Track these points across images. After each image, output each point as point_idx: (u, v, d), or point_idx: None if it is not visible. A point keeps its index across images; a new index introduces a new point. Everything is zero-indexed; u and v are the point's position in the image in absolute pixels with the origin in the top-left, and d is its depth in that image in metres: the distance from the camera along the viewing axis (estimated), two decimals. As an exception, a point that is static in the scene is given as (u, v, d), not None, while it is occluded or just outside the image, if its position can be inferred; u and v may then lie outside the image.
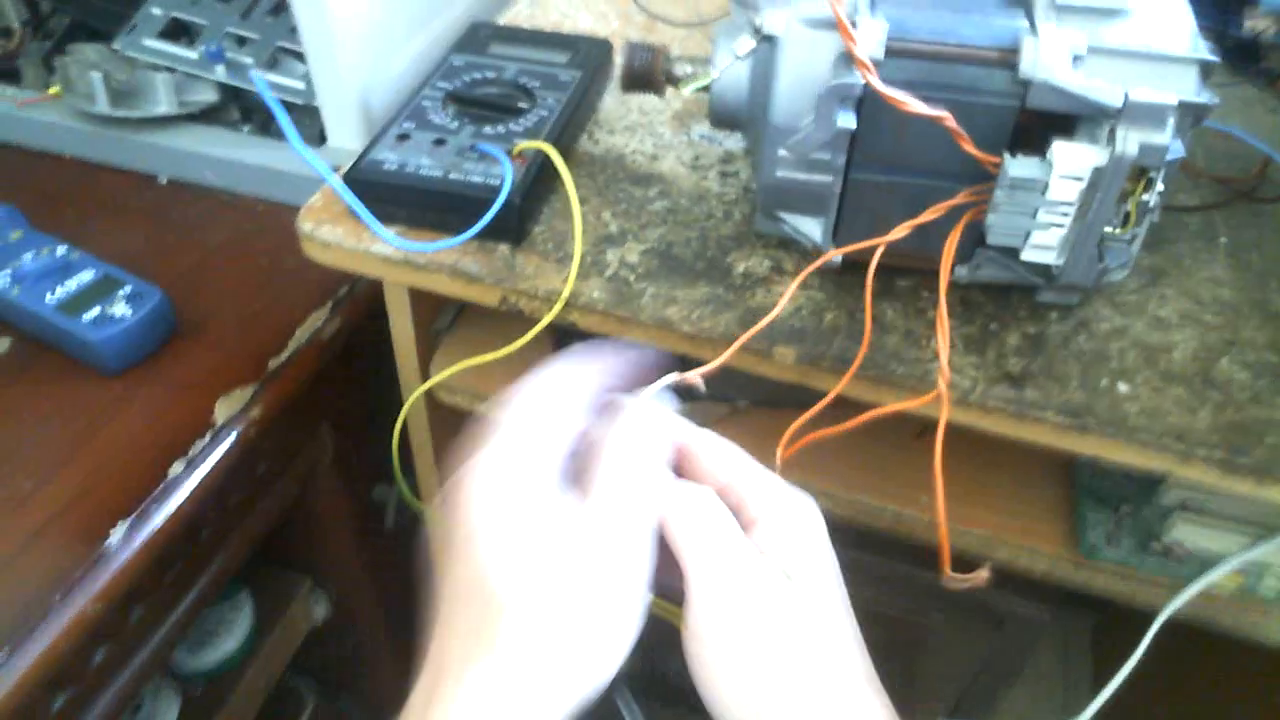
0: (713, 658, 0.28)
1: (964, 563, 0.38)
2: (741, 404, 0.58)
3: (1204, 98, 0.38)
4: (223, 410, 0.54)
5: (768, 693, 0.27)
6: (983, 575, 0.35)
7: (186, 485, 0.50)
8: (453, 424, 0.65)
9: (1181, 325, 0.46)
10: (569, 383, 0.30)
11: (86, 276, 0.56)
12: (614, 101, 0.61)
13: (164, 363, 0.56)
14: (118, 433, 0.52)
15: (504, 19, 0.71)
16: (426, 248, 0.48)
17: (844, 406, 0.42)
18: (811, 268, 0.42)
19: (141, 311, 0.54)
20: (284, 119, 0.47)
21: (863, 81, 0.38)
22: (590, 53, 0.60)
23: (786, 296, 0.40)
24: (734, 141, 0.58)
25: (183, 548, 0.55)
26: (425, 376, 0.60)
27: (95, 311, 0.54)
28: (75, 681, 0.49)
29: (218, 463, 0.52)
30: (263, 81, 0.48)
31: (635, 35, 0.69)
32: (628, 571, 0.28)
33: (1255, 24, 0.66)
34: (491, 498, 0.27)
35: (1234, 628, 0.51)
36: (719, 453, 0.32)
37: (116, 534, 0.47)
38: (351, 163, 0.51)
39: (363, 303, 0.63)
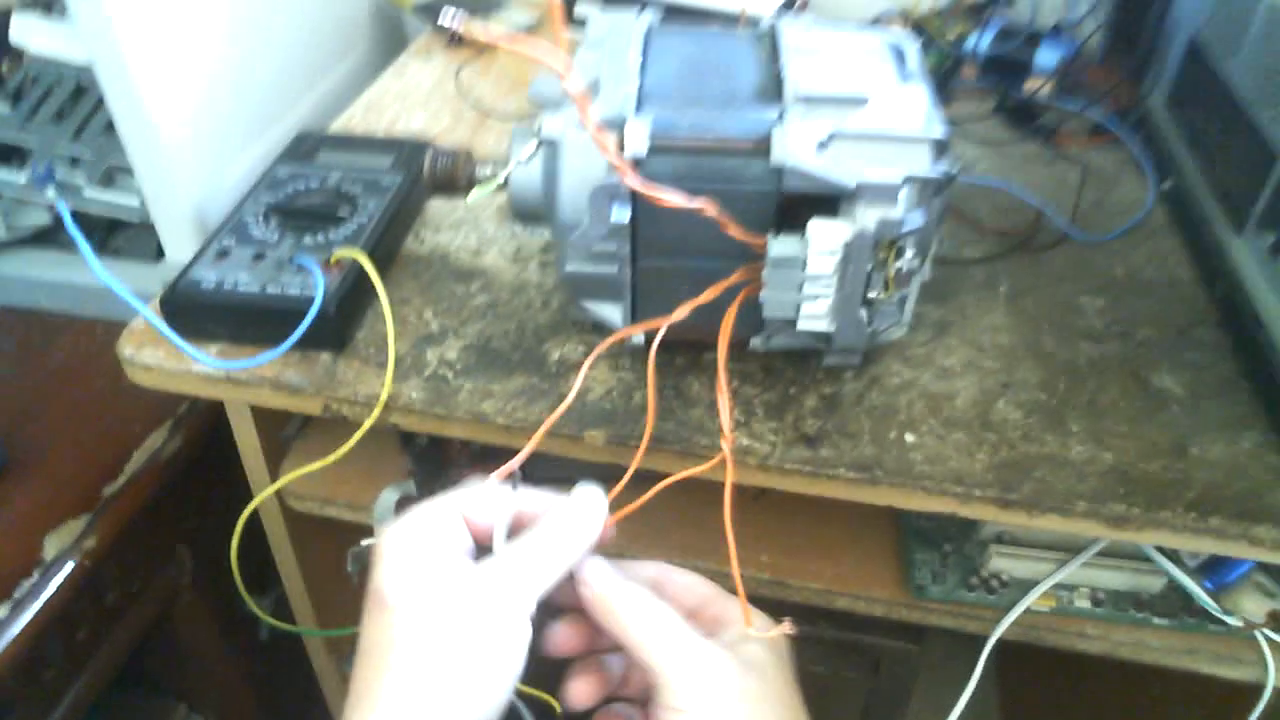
0: None
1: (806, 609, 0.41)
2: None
3: (936, 172, 0.42)
4: (53, 545, 0.53)
5: None
6: (785, 628, 0.36)
7: (12, 629, 0.49)
8: (310, 532, 0.65)
9: (964, 373, 0.49)
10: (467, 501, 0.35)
11: (-98, 421, 0.55)
12: (442, 200, 0.63)
13: (-11, 503, 0.54)
14: (-64, 581, 0.50)
15: (338, 124, 0.73)
16: (243, 365, 0.49)
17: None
18: (595, 353, 0.44)
19: (-39, 452, 0.53)
20: (84, 246, 0.46)
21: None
22: (413, 154, 0.62)
23: (578, 381, 0.42)
24: (556, 230, 0.60)
25: (20, 690, 0.53)
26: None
27: (-90, 457, 0.53)
28: None
29: (48, 601, 0.51)
30: (65, 207, 0.48)
31: (466, 132, 0.72)
32: (511, 630, 0.32)
33: (1031, 85, 0.72)
34: (405, 567, 0.31)
35: (1059, 644, 0.54)
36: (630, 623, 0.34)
37: (-72, 689, 0.46)
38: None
39: (207, 417, 0.63)
